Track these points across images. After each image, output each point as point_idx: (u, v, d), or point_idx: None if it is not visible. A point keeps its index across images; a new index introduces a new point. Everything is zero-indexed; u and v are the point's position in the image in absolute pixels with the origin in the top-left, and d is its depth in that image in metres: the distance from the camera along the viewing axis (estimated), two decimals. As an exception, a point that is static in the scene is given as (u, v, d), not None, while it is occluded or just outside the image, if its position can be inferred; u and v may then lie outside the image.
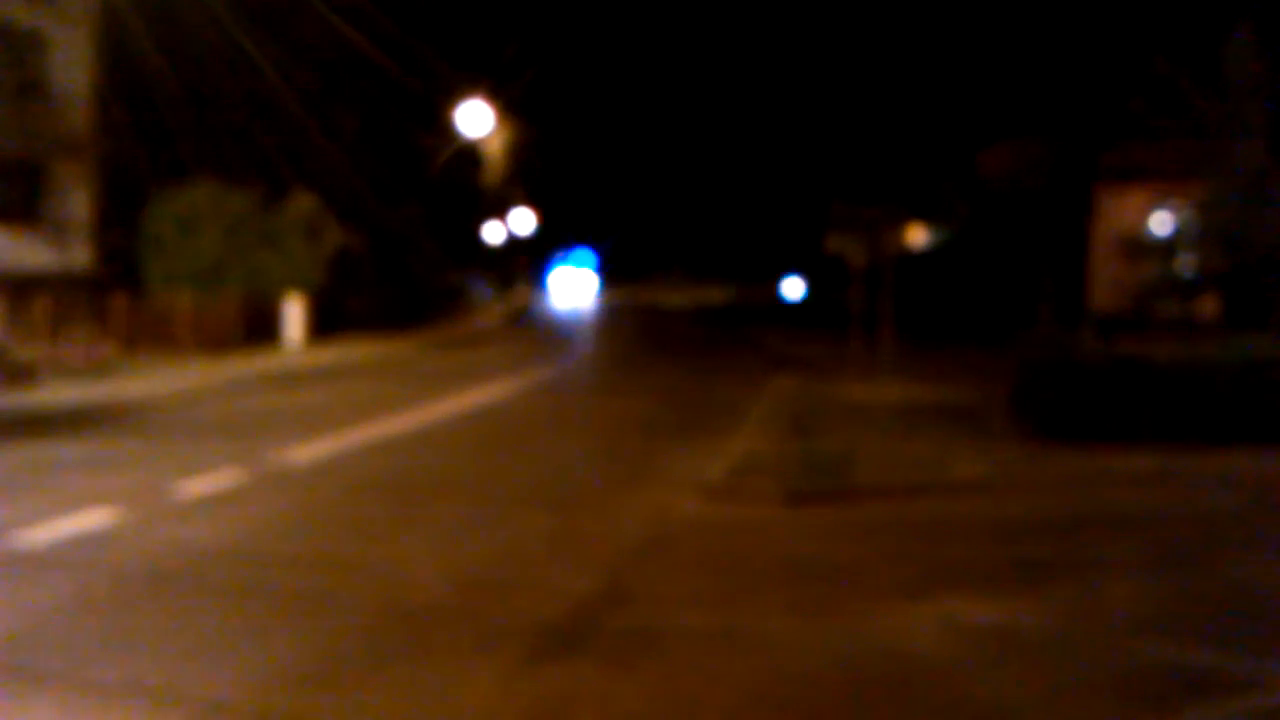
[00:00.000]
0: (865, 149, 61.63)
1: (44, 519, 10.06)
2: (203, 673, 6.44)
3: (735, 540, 10.16)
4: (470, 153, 60.79)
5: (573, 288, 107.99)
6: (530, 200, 77.04)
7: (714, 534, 10.40)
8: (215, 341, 28.13)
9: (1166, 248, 31.94)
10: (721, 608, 7.93)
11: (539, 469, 14.00)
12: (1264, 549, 9.99)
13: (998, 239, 40.86)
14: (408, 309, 43.65)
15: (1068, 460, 13.33)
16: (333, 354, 29.24)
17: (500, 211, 73.93)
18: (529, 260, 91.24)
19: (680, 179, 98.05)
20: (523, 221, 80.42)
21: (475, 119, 53.61)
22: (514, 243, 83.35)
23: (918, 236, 14.69)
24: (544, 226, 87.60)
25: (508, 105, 61.69)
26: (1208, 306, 30.70)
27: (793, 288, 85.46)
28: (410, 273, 46.41)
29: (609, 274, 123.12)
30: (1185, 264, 27.91)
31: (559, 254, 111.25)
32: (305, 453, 14.07)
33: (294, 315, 32.29)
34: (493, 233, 76.43)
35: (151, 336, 26.72)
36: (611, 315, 64.78)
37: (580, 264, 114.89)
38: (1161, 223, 35.95)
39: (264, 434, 15.82)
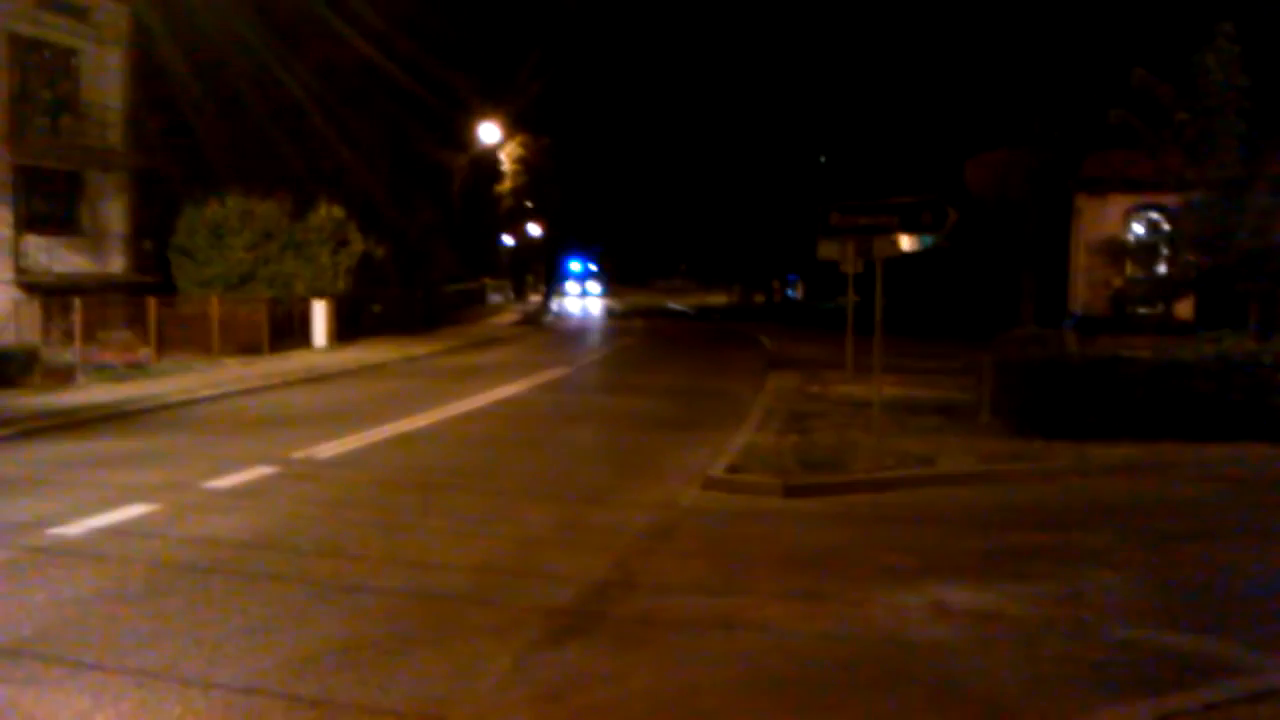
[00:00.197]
0: (857, 158, 61.57)
1: (81, 512, 10.09)
2: (235, 658, 6.46)
3: (736, 530, 10.17)
4: (486, 162, 60.85)
5: (584, 291, 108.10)
6: (543, 207, 77.05)
7: (715, 524, 10.41)
8: (245, 344, 28.15)
9: (1144, 251, 31.88)
10: (723, 594, 7.94)
11: (551, 463, 14.02)
12: (1244, 538, 9.99)
13: (984, 244, 40.84)
14: (427, 312, 43.69)
15: (1050, 454, 13.32)
16: (356, 355, 29.27)
17: (515, 219, 73.97)
18: (542, 265, 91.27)
19: (685, 187, 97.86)
20: (536, 228, 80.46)
21: (490, 130, 53.66)
22: (528, 248, 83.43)
23: (908, 242, 14.58)
24: (556, 232, 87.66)
25: (521, 116, 61.82)
26: (1184, 308, 30.68)
27: (791, 290, 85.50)
28: (429, 278, 46.44)
29: (618, 278, 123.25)
30: (1163, 267, 27.85)
31: (571, 259, 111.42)
32: (331, 448, 14.10)
33: (320, 319, 32.31)
34: (507, 239, 76.53)
35: (184, 340, 26.74)
36: (620, 317, 64.79)
37: (591, 269, 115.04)
38: (1140, 228, 35.92)
39: (292, 431, 15.84)
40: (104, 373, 22.03)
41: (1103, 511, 11.00)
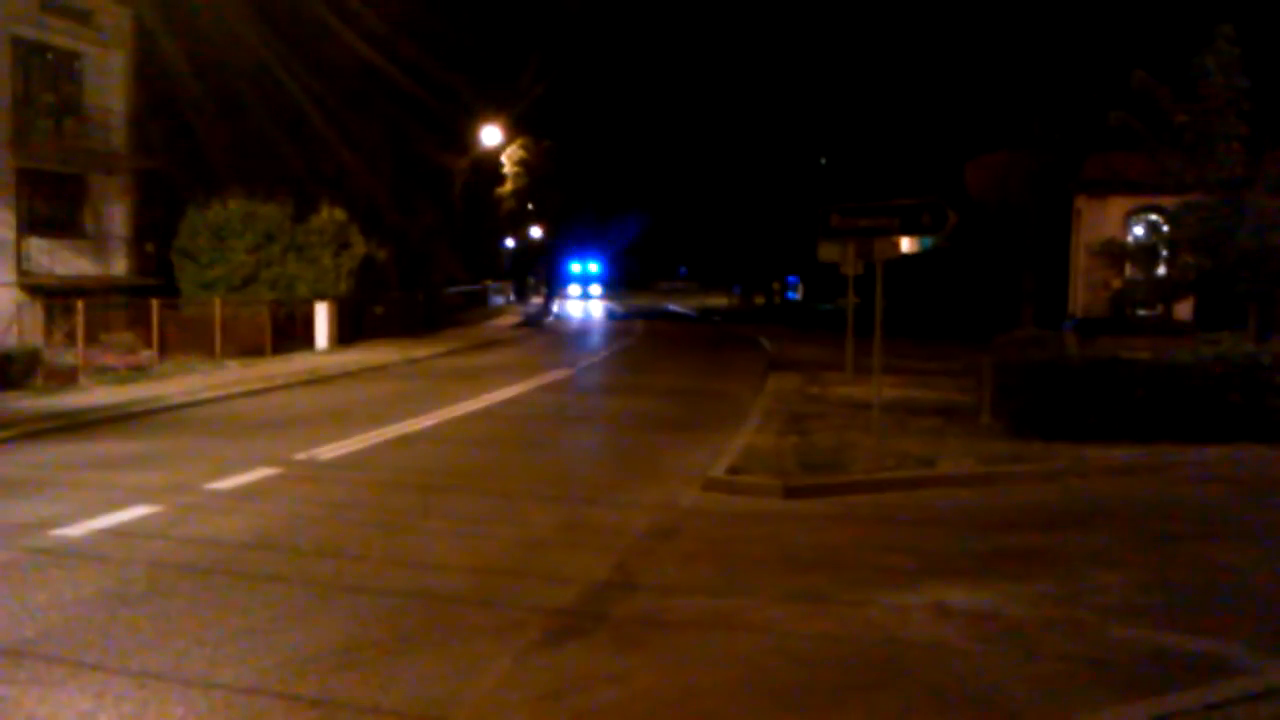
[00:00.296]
0: (858, 161, 61.60)
1: (83, 514, 10.10)
2: (236, 659, 6.46)
3: (736, 531, 10.16)
4: (487, 165, 60.88)
5: (585, 293, 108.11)
6: (544, 210, 77.08)
7: (716, 525, 10.40)
8: (247, 346, 28.15)
9: (1144, 253, 31.86)
10: (724, 595, 7.94)
11: (552, 464, 14.02)
12: (1243, 538, 9.98)
13: (984, 246, 40.86)
14: (429, 314, 43.70)
15: (1050, 455, 13.31)
16: (358, 357, 29.26)
17: (516, 221, 73.99)
18: (544, 267, 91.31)
19: (686, 189, 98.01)
20: (537, 230, 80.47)
21: (492, 132, 53.66)
22: (529, 251, 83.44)
23: (908, 244, 14.58)
24: (557, 235, 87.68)
25: (522, 118, 61.85)
26: (1183, 309, 30.68)
27: (792, 292, 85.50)
28: (431, 280, 46.45)
29: (619, 280, 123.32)
30: (1162, 269, 27.85)
31: (572, 261, 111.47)
32: (333, 450, 14.10)
33: (322, 321, 32.32)
34: (509, 241, 76.54)
35: (186, 342, 26.74)
36: (621, 319, 64.77)
37: (592, 271, 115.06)
38: (1139, 229, 35.93)
39: (294, 432, 15.85)
40: (106, 375, 22.03)
41: (1102, 512, 10.99)
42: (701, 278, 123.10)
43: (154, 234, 31.72)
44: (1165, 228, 28.52)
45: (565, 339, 45.01)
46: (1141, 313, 31.61)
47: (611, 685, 6.14)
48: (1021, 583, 8.14)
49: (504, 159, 66.61)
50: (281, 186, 32.93)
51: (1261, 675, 6.28)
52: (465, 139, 52.47)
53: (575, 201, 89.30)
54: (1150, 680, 6.20)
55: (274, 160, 33.98)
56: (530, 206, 74.00)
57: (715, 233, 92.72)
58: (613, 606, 7.60)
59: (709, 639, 6.98)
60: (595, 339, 45.45)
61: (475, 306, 60.43)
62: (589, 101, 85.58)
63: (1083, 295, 36.75)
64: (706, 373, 27.69)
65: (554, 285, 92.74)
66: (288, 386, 22.41)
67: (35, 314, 25.45)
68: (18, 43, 26.69)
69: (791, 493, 11.48)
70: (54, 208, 28.45)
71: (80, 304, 23.16)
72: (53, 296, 25.99)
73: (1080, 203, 37.90)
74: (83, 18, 28.59)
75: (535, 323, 55.66)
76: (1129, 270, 33.74)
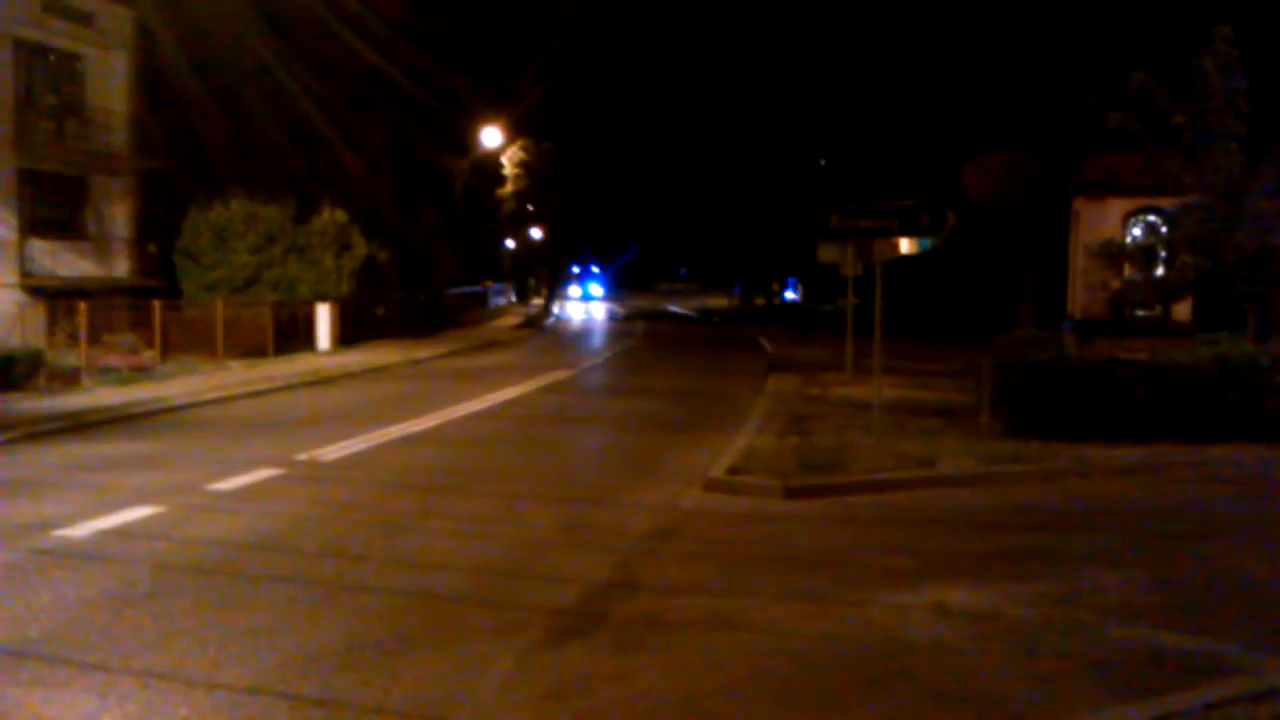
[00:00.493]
0: (857, 162, 61.60)
1: (86, 514, 10.10)
2: (239, 659, 6.46)
3: (737, 531, 10.16)
4: (488, 166, 60.88)
5: (586, 294, 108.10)
6: (545, 211, 77.07)
7: (717, 525, 10.40)
8: (249, 347, 28.16)
9: (1142, 254, 31.86)
10: (725, 595, 7.94)
11: (553, 464, 14.02)
12: (1242, 538, 9.98)
13: (983, 247, 40.87)
14: (430, 316, 43.70)
15: (1049, 455, 13.31)
16: (360, 358, 29.25)
17: (517, 222, 74.00)
18: (545, 269, 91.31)
19: (686, 191, 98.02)
20: (538, 231, 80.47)
21: (492, 134, 53.68)
22: (530, 252, 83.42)
23: (907, 245, 14.57)
24: (558, 236, 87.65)
25: (523, 120, 61.85)
26: (1182, 310, 30.69)
27: (795, 293, 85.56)
28: (432, 281, 46.45)
29: (620, 281, 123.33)
30: (1160, 270, 27.85)
31: (574, 262, 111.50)
32: (335, 450, 14.10)
33: (323, 322, 32.32)
34: (510, 243, 76.52)
35: (188, 343, 26.76)
36: (622, 320, 64.78)
37: (594, 272, 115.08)
38: (1138, 231, 35.94)
39: (296, 433, 15.85)
40: (109, 376, 22.03)
41: (1102, 512, 10.99)
42: (702, 279, 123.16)
43: (156, 235, 31.74)
44: (1164, 229, 28.50)
45: (566, 340, 45.01)
46: (1140, 313, 31.64)
47: (613, 685, 6.14)
48: (1021, 583, 8.14)
49: (505, 160, 66.63)
50: (283, 188, 32.95)
51: (1261, 675, 6.28)
52: (466, 140, 52.50)
53: (576, 203, 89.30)
54: (1150, 680, 6.19)
55: (275, 161, 34.03)
56: (531, 208, 74.01)
57: (715, 234, 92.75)
58: (614, 607, 7.60)
59: (710, 639, 6.98)
60: (596, 340, 45.45)
61: (476, 308, 60.44)
62: (590, 103, 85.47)
63: (1081, 296, 36.79)
64: (707, 374, 27.70)
65: (555, 286, 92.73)
66: (290, 387, 22.41)
67: (38, 315, 25.46)
68: (19, 44, 26.72)
69: (792, 493, 11.47)
70: (56, 209, 28.47)
71: (83, 305, 23.18)
72: (55, 298, 26.01)
73: (1079, 204, 37.95)
74: (84, 19, 28.62)
75: (536, 324, 55.63)
76: (1127, 271, 33.74)
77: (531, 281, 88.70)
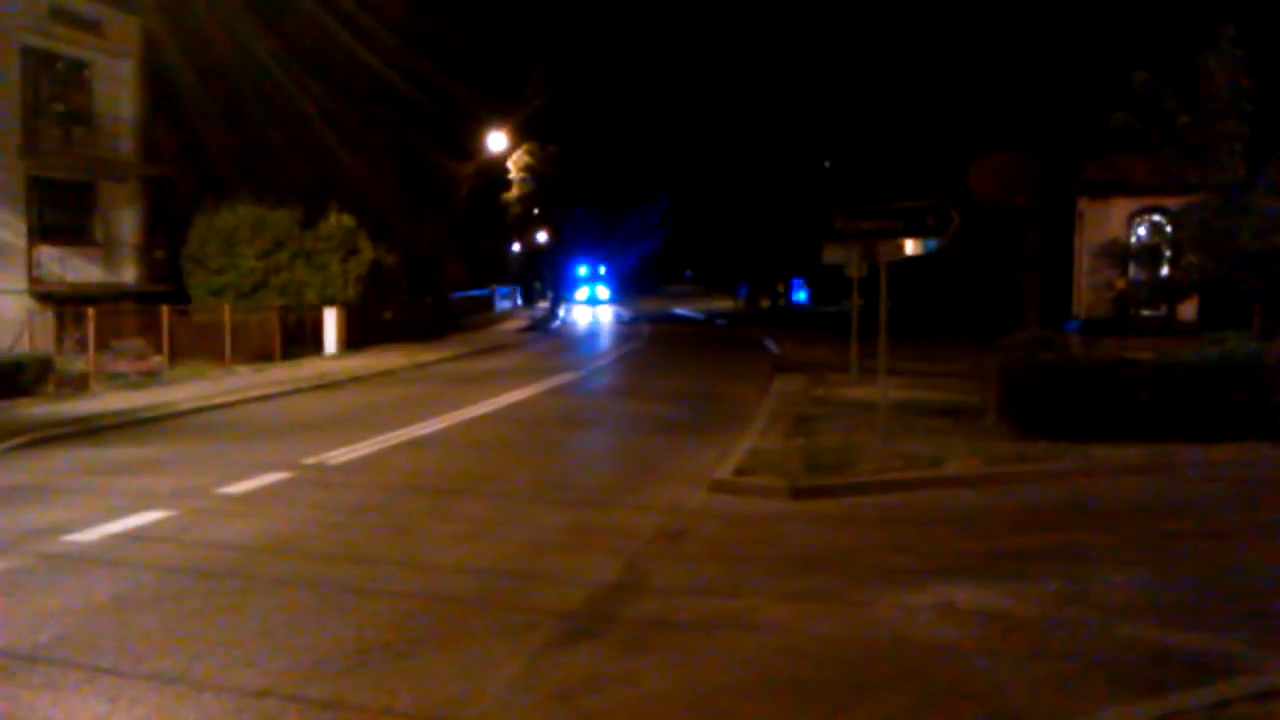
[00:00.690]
0: (862, 163, 61.52)
1: (96, 519, 10.12)
2: (249, 662, 6.47)
3: (744, 533, 10.15)
4: (494, 170, 60.91)
5: (591, 297, 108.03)
6: (550, 215, 77.11)
7: (724, 526, 10.40)
8: (257, 352, 28.19)
9: (1147, 254, 31.79)
10: (732, 596, 7.94)
11: (560, 467, 14.03)
12: (1249, 537, 9.95)
13: (988, 247, 40.79)
14: (436, 319, 43.72)
15: (1056, 455, 13.28)
16: (367, 362, 29.28)
17: (522, 226, 74.04)
18: (550, 272, 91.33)
19: (691, 193, 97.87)
20: (543, 235, 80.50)
21: (498, 138, 53.72)
22: (536, 255, 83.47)
23: (912, 246, 14.57)
24: (564, 239, 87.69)
25: (528, 124, 61.86)
26: (1187, 310, 30.59)
27: (803, 293, 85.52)
28: (438, 285, 46.47)
29: (626, 283, 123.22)
30: (1165, 270, 27.79)
31: (579, 265, 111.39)
32: (343, 454, 14.11)
33: (331, 326, 32.37)
34: (515, 246, 76.56)
35: (196, 348, 26.80)
36: (627, 323, 64.76)
37: (599, 275, 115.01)
38: (1142, 231, 35.87)
39: (304, 436, 15.87)
40: (117, 381, 22.08)
41: (1108, 512, 10.97)
42: (707, 281, 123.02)
43: (163, 241, 31.78)
44: (1168, 229, 28.46)
45: (572, 343, 45.01)
46: (1145, 313, 31.53)
47: (622, 686, 6.14)
48: (1028, 582, 8.13)
49: (510, 164, 66.65)
50: (290, 193, 32.99)
51: (1269, 674, 6.26)
52: (472, 145, 52.51)
53: (581, 206, 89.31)
54: (1157, 679, 6.18)
55: (282, 167, 34.05)
56: (536, 211, 74.04)
57: (721, 236, 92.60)
58: (622, 608, 7.60)
59: (718, 639, 6.98)
60: (602, 343, 45.46)
61: (482, 311, 60.48)
62: (595, 106, 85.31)
63: (1086, 296, 36.67)
64: (712, 375, 27.68)
65: (560, 290, 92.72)
66: (297, 391, 22.43)
67: (46, 321, 25.50)
68: (27, 52, 26.78)
69: (798, 494, 11.47)
70: (64, 215, 28.52)
71: (91, 311, 23.22)
72: (64, 304, 26.05)
73: (1083, 204, 37.84)
74: (92, 27, 28.67)
75: (542, 327, 55.63)
76: (1132, 271, 33.67)
77: (537, 285, 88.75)
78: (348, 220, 34.03)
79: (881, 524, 10.61)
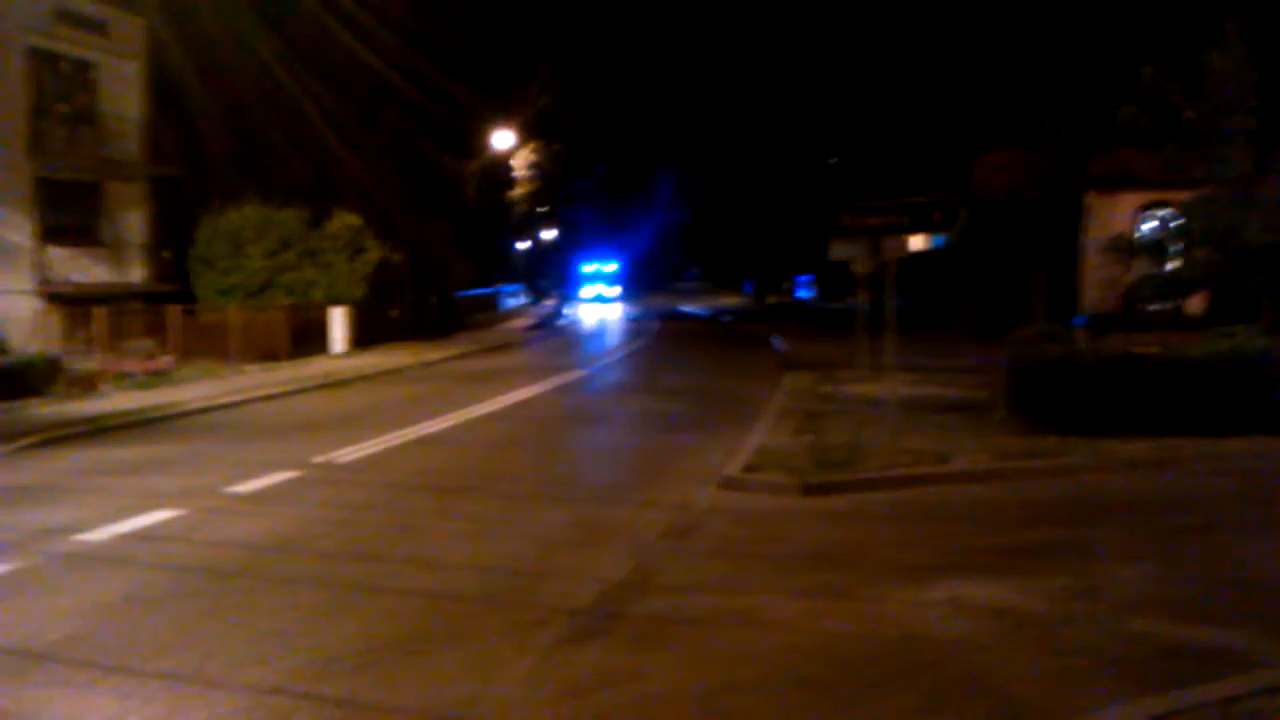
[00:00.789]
0: (868, 159, 61.49)
1: (105, 518, 10.14)
2: (259, 660, 6.48)
3: (753, 529, 10.15)
4: (499, 169, 60.91)
5: (598, 295, 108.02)
6: (557, 213, 77.14)
7: (733, 523, 10.39)
8: (264, 351, 28.21)
9: (1154, 249, 31.73)
10: (742, 592, 7.93)
11: (568, 464, 14.04)
12: (1259, 531, 9.94)
13: (995, 242, 40.74)
14: (443, 318, 43.73)
15: (1065, 450, 13.25)
16: (374, 361, 29.30)
17: (529, 224, 74.06)
18: (556, 269, 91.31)
19: (698, 190, 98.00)
20: (550, 233, 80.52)
21: (503, 137, 53.71)
22: (542, 253, 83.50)
23: (918, 241, 14.58)
24: (570, 237, 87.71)
25: (533, 122, 61.87)
26: (1195, 304, 30.53)
27: (811, 289, 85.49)
28: (444, 284, 46.47)
29: (633, 280, 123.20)
30: (1173, 264, 27.73)
31: (586, 263, 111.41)
32: (351, 452, 14.13)
33: (337, 325, 32.40)
34: (522, 244, 76.57)
35: (204, 348, 26.81)
36: (634, 320, 64.73)
37: (606, 272, 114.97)
38: (1149, 225, 35.80)
39: (312, 435, 15.88)
40: (126, 381, 22.12)
41: (1118, 506, 10.96)
42: (714, 278, 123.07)
43: (170, 241, 31.83)
44: (1175, 223, 28.39)
45: (579, 340, 44.99)
46: (1153, 308, 31.47)
47: (632, 683, 6.14)
48: (1038, 577, 8.12)
49: (516, 163, 66.65)
50: (296, 193, 33.03)
51: (1280, 668, 6.26)
52: (476, 144, 52.54)
53: (588, 204, 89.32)
54: (1168, 674, 6.17)
55: (288, 167, 34.10)
56: (542, 209, 74.04)
57: (728, 233, 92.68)
58: (632, 605, 7.61)
59: (728, 636, 6.98)
60: (608, 340, 45.42)
61: (488, 309, 60.44)
62: (601, 104, 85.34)
63: (1093, 291, 36.62)
64: (721, 372, 27.66)
65: (567, 287, 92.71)
66: (304, 391, 22.46)
67: (55, 322, 25.54)
68: (33, 53, 26.80)
69: (807, 490, 11.46)
70: (71, 216, 28.53)
71: (99, 311, 23.25)
72: (72, 304, 26.08)
73: (1090, 199, 37.80)
74: (97, 28, 28.71)
75: (548, 325, 55.60)
76: (1139, 266, 33.60)
77: (543, 283, 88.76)
78: (354, 219, 34.08)
79: (891, 520, 10.60)
